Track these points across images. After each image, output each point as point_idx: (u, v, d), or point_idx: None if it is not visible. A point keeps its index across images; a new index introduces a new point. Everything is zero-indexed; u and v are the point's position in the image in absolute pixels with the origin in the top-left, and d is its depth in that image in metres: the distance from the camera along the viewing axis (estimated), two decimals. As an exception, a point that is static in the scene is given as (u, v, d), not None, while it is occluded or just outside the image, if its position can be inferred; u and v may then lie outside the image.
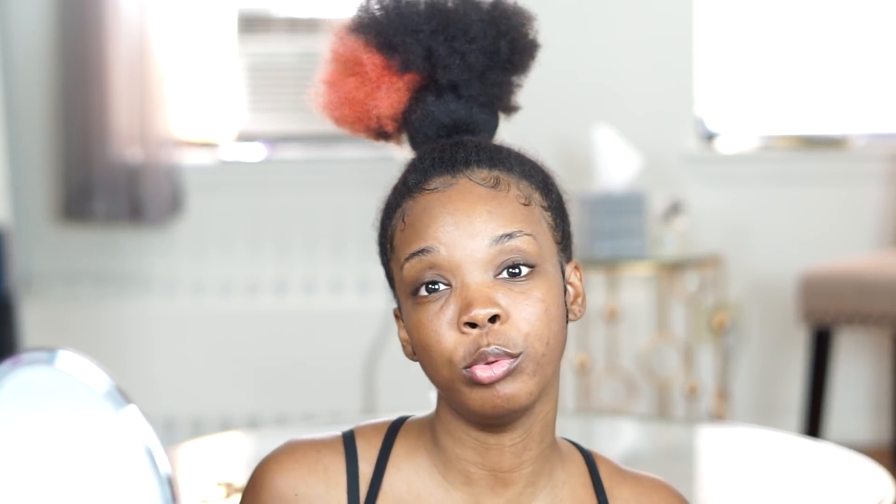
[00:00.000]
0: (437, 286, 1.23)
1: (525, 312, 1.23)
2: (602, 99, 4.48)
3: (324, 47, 1.37)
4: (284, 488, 1.29)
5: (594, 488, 1.32)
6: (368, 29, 1.34)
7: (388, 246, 1.29)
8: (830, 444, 2.57)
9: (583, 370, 4.16)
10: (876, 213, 4.52)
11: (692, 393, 4.23)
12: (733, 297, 4.49)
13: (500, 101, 1.38)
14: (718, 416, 4.24)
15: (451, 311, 1.23)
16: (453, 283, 1.23)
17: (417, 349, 1.26)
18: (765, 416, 4.53)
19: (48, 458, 0.93)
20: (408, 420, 1.33)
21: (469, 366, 1.21)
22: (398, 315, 1.31)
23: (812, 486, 2.33)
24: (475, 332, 1.21)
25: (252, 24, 4.54)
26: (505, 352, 1.21)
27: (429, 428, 1.30)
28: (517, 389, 1.22)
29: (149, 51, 4.35)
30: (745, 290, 4.53)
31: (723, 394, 4.25)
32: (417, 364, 1.29)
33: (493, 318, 1.22)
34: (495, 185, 1.27)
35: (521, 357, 1.22)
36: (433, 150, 1.30)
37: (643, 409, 4.42)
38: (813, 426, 3.97)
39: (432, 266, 1.24)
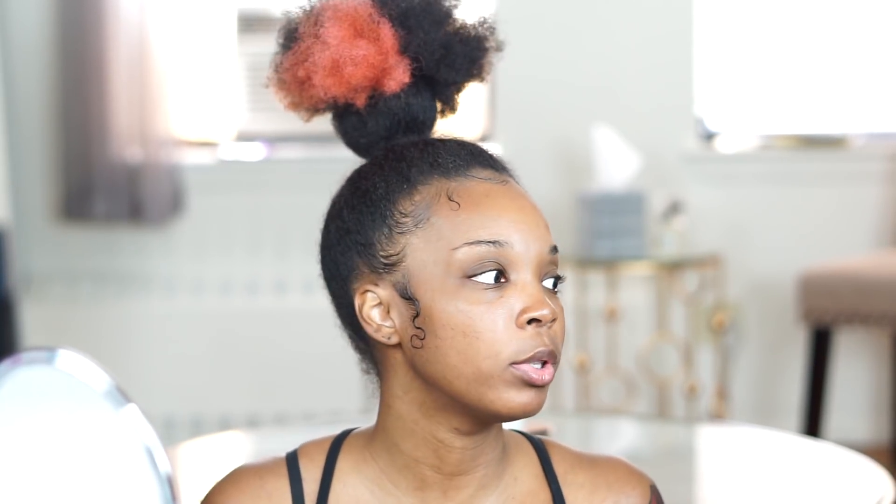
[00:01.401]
0: (500, 278, 1.23)
1: (562, 323, 1.25)
2: (602, 99, 4.48)
3: (337, 4, 1.32)
4: None
5: (546, 478, 1.30)
6: (392, 2, 1.31)
7: (411, 220, 1.24)
8: (830, 443, 2.57)
9: (582, 370, 4.16)
10: (875, 212, 4.52)
11: (692, 392, 4.23)
12: (733, 297, 4.49)
13: (450, 110, 1.37)
14: (718, 416, 4.24)
15: (510, 305, 1.21)
16: (512, 278, 1.22)
17: (453, 335, 1.22)
18: (764, 416, 4.53)
19: (48, 458, 0.93)
20: (352, 433, 1.31)
21: (520, 363, 1.21)
22: (370, 290, 1.26)
23: (811, 485, 2.33)
24: (531, 329, 1.21)
25: (252, 24, 4.55)
26: (555, 356, 1.22)
27: (379, 436, 1.28)
28: (544, 399, 1.23)
29: (149, 51, 4.35)
30: (745, 290, 4.53)
31: (722, 393, 4.25)
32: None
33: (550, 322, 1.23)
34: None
35: (555, 367, 1.24)
36: (456, 143, 1.29)
37: (643, 409, 4.42)
38: (812, 426, 3.97)
39: (499, 256, 1.23)
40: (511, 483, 1.29)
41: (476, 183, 1.25)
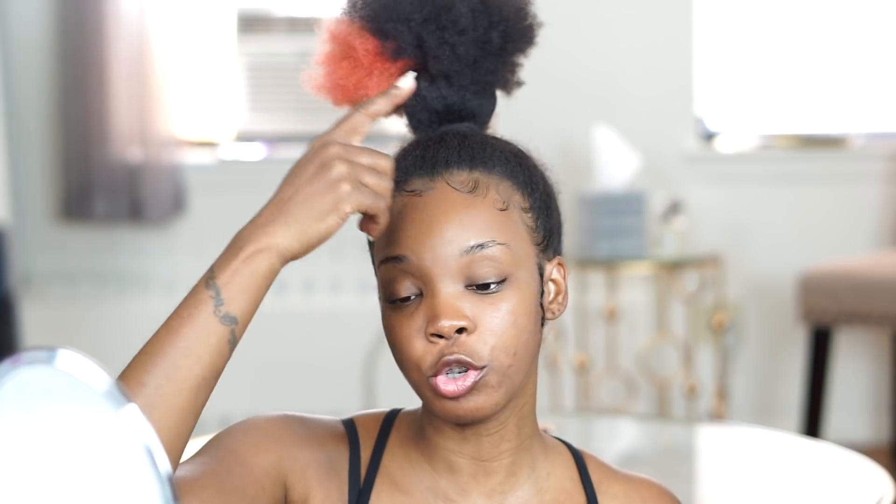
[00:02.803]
0: (408, 294, 1.24)
1: (492, 324, 1.23)
2: (602, 99, 4.48)
3: (323, 29, 1.35)
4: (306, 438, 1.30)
5: (582, 483, 1.32)
6: (362, 13, 1.32)
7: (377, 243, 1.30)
8: (829, 443, 2.58)
9: (582, 370, 4.16)
10: (875, 212, 4.52)
11: (691, 392, 4.23)
12: (732, 297, 4.49)
13: (494, 85, 1.37)
14: (718, 416, 4.25)
15: (420, 319, 1.23)
16: (423, 292, 1.24)
17: (391, 349, 1.27)
18: (764, 416, 4.53)
19: (48, 458, 0.94)
20: (401, 412, 1.35)
21: (434, 375, 1.22)
22: None
23: (811, 485, 2.34)
24: (442, 342, 1.22)
25: (252, 24, 4.55)
26: (468, 362, 1.22)
27: (418, 419, 1.32)
28: (481, 402, 1.23)
29: (149, 51, 4.35)
30: (745, 290, 4.53)
31: (722, 393, 4.26)
32: None
33: (460, 330, 1.22)
34: (473, 189, 1.26)
35: (485, 370, 1.23)
36: (416, 146, 1.30)
37: (643, 409, 4.42)
38: (812, 426, 3.97)
39: (405, 271, 1.24)
40: (544, 476, 1.32)
41: (402, 198, 1.27)
